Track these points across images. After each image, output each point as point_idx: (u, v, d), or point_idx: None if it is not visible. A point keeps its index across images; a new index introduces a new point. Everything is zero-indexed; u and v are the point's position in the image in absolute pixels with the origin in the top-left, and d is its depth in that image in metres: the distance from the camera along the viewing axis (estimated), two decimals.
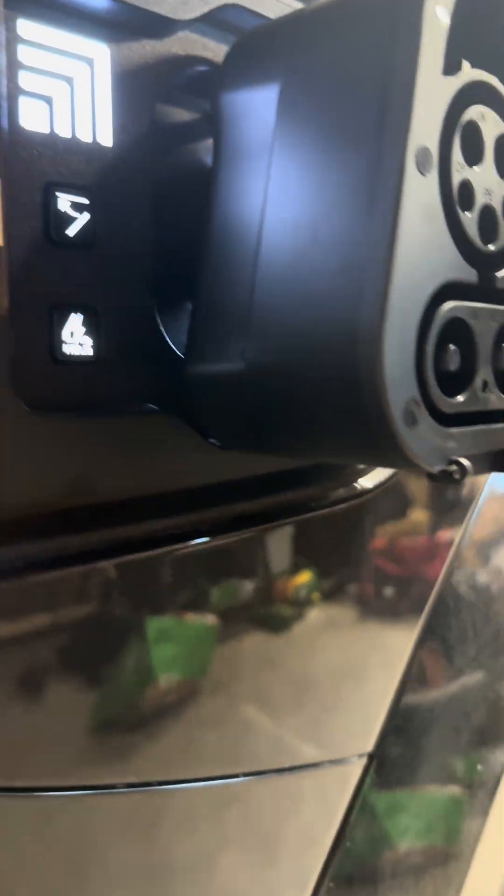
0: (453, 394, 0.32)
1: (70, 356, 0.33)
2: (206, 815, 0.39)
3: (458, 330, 0.32)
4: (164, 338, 0.37)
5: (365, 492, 0.46)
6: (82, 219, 0.33)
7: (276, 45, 0.34)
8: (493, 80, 0.33)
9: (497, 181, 0.33)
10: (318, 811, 0.49)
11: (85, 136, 0.33)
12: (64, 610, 0.34)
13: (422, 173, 0.29)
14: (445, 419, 0.31)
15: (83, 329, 0.34)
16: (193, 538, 0.37)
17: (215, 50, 0.38)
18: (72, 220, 0.33)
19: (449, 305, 0.31)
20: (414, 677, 0.52)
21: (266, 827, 0.45)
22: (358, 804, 0.51)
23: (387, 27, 0.30)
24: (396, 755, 0.54)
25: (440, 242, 0.30)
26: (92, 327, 0.34)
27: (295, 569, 0.44)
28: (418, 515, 0.55)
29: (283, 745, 0.44)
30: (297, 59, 0.33)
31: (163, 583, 0.38)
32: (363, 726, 0.49)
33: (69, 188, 0.33)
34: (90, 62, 0.34)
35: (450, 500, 0.54)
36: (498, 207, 0.33)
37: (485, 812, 0.65)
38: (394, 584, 0.52)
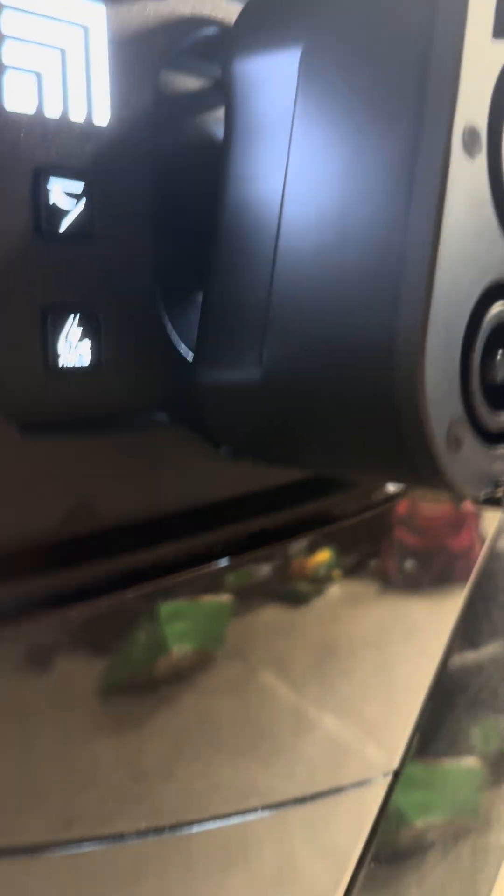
0: (502, 407, 0.28)
1: (67, 367, 0.30)
2: (224, 857, 0.36)
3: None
4: (171, 339, 0.33)
5: (393, 496, 0.42)
6: (78, 208, 0.29)
7: (297, 2, 0.30)
8: None
9: None
10: (344, 830, 0.46)
11: (79, 115, 0.29)
12: (69, 656, 0.30)
13: (469, 155, 0.25)
14: (492, 437, 0.28)
15: (81, 334, 0.30)
16: (210, 560, 0.34)
17: (227, 8, 0.34)
18: (66, 211, 0.29)
19: (499, 307, 0.27)
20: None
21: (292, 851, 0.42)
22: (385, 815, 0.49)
23: None
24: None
25: (489, 236, 0.26)
26: (91, 331, 0.30)
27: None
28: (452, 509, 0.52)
29: (308, 769, 0.41)
30: (321, 18, 0.28)
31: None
32: (389, 743, 0.46)
33: (62, 174, 0.29)
34: (85, 29, 0.29)
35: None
36: None
37: None
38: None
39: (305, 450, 0.31)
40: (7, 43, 0.27)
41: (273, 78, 0.30)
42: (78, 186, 0.29)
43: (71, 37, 0.29)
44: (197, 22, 0.33)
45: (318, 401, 0.28)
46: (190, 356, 0.33)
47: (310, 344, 0.28)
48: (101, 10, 0.30)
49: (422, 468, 0.26)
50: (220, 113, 0.33)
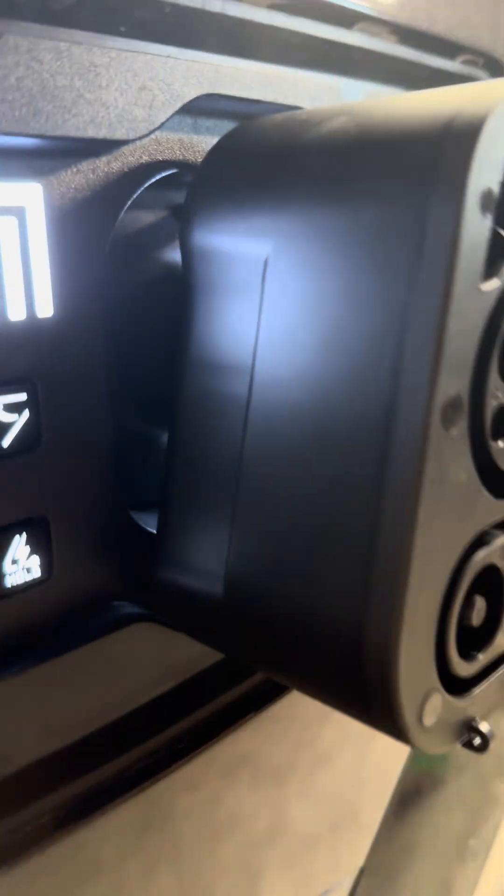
0: (474, 649, 0.27)
1: (15, 585, 0.28)
2: None
3: (485, 575, 0.26)
4: (133, 524, 0.31)
5: None
6: (21, 420, 0.27)
7: (262, 200, 0.26)
8: None
9: None
10: None
11: (18, 314, 0.26)
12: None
13: (446, 430, 0.22)
14: (465, 683, 0.26)
15: (30, 551, 0.28)
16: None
17: (183, 147, 0.30)
18: (7, 426, 0.26)
19: (480, 555, 0.25)
20: None
21: None
22: None
23: (415, 220, 0.22)
24: None
25: (468, 496, 0.24)
26: (40, 543, 0.28)
27: None
28: None
29: None
30: (288, 227, 0.25)
31: None
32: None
33: (2, 388, 0.26)
34: (20, 212, 0.26)
35: None
36: None
37: None
38: None
39: (264, 667, 0.30)
40: None
41: (237, 263, 0.27)
42: (19, 397, 0.26)
43: (5, 226, 0.25)
44: (148, 170, 0.29)
45: (280, 639, 0.27)
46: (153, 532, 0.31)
47: (275, 582, 0.26)
48: (37, 187, 0.26)
49: (389, 732, 0.25)
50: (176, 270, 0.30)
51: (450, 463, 0.22)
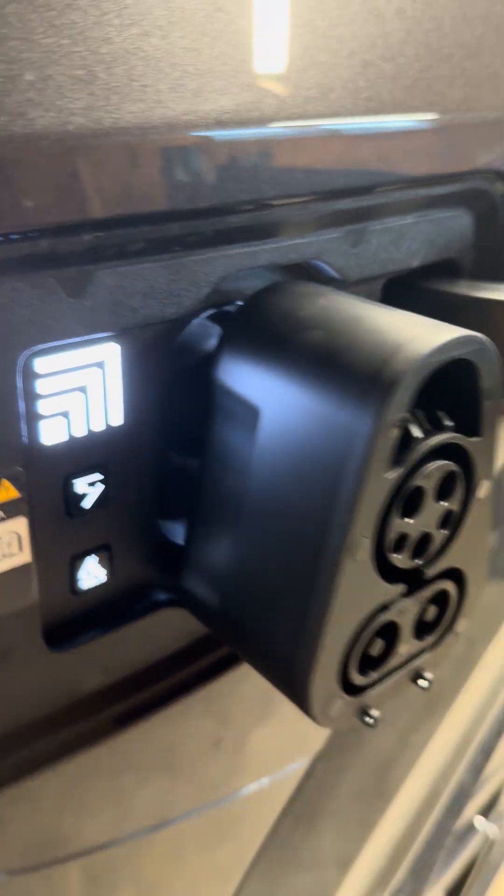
0: (371, 669, 0.41)
1: (86, 589, 0.43)
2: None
3: (388, 625, 0.40)
4: (169, 542, 0.45)
5: None
6: (97, 491, 0.41)
7: (256, 375, 0.38)
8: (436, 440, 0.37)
9: (433, 513, 0.39)
10: None
11: (99, 426, 0.39)
12: None
13: (354, 556, 0.36)
14: (360, 688, 0.41)
15: (98, 565, 0.43)
16: None
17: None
18: (84, 496, 0.40)
19: (381, 617, 0.39)
20: None
21: None
22: None
23: (341, 431, 0.34)
24: None
25: (370, 585, 0.37)
26: (104, 561, 0.43)
27: None
28: None
29: None
30: (274, 396, 0.37)
31: None
32: None
33: (85, 472, 0.40)
34: (101, 365, 0.38)
35: None
36: (431, 531, 0.39)
37: None
38: None
39: (242, 656, 0.45)
40: (42, 401, 0.37)
41: (241, 405, 0.39)
42: (97, 477, 0.40)
43: (90, 376, 0.38)
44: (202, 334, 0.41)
45: (247, 646, 0.42)
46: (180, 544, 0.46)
47: (250, 607, 0.41)
48: (115, 346, 0.38)
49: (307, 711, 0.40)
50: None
51: (356, 572, 0.36)
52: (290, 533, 0.37)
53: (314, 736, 0.65)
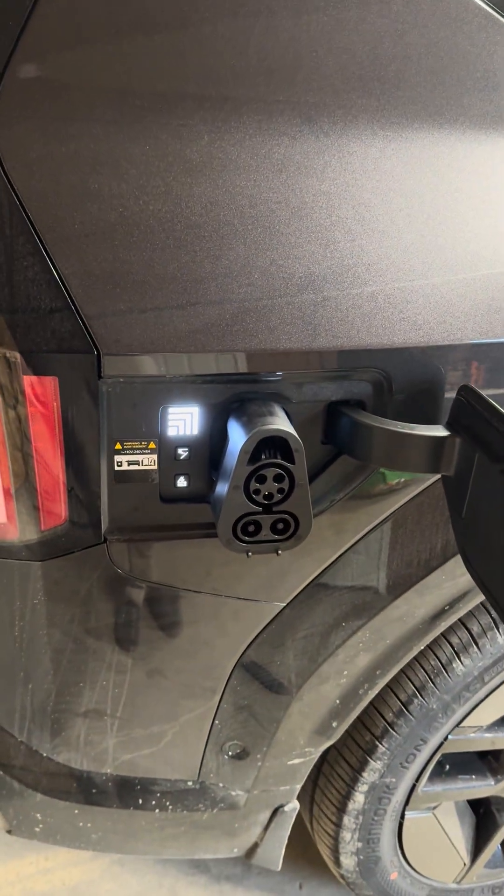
0: (249, 536, 1.12)
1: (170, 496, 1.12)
2: None
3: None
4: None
5: None
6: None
7: None
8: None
9: (271, 487, 0.96)
10: None
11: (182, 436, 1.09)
12: None
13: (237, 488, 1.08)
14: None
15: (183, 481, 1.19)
16: None
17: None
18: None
19: (252, 518, 1.10)
20: None
21: None
22: None
23: None
24: None
25: (244, 504, 1.07)
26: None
27: None
28: None
29: None
30: None
31: None
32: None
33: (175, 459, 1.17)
34: (191, 415, 1.10)
35: None
36: (272, 491, 1.06)
37: None
38: None
39: None
40: None
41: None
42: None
43: (187, 415, 1.16)
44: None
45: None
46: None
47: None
48: (196, 410, 1.13)
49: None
50: None
51: (238, 496, 1.10)
52: None
53: None
